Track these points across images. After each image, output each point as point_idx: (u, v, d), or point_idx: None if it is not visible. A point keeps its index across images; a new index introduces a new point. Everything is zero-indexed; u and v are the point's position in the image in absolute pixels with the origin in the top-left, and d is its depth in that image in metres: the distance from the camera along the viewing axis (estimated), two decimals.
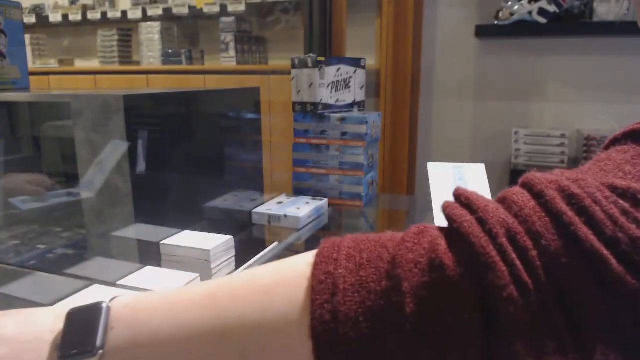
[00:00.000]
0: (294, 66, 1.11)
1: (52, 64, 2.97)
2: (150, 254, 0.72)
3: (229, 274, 0.72)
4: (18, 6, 1.00)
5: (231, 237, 0.74)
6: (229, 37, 2.45)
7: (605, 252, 0.25)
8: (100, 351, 0.30)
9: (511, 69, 1.98)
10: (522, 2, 1.76)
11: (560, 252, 0.26)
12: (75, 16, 2.81)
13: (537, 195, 0.29)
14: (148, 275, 0.64)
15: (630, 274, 0.25)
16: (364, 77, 1.23)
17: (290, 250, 0.87)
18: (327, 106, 1.12)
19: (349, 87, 1.18)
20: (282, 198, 1.07)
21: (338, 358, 0.28)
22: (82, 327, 0.31)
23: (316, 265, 0.30)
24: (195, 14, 2.52)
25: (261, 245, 0.85)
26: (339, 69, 1.14)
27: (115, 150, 0.68)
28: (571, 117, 1.93)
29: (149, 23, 2.65)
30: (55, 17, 2.85)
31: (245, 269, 0.75)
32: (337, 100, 1.15)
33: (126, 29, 2.82)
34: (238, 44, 2.45)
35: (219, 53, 2.51)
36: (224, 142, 0.95)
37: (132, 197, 0.69)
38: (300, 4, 2.11)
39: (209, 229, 0.77)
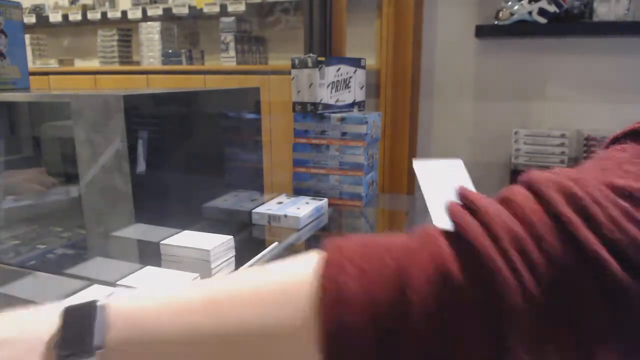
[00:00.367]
0: (294, 66, 1.11)
1: (52, 64, 2.97)
2: (150, 254, 0.72)
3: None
4: (18, 6, 1.00)
5: (231, 237, 0.74)
6: (229, 37, 2.45)
7: (606, 254, 0.25)
8: (99, 351, 0.30)
9: (511, 69, 1.98)
10: (522, 2, 1.76)
11: (560, 254, 0.26)
12: (75, 16, 2.81)
13: (538, 195, 0.28)
14: (148, 275, 0.64)
15: (631, 276, 0.25)
16: (364, 77, 1.23)
17: (291, 251, 0.87)
18: (327, 106, 1.12)
19: (349, 87, 1.18)
20: (282, 198, 1.07)
21: None
22: (79, 326, 0.31)
23: (321, 271, 0.30)
24: (195, 14, 2.52)
25: (261, 245, 0.85)
26: (339, 69, 1.14)
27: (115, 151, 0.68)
28: (571, 117, 1.93)
29: (149, 23, 2.65)
30: (55, 17, 2.85)
31: (245, 269, 0.75)
32: (337, 100, 1.15)
33: (126, 29, 2.82)
34: (238, 44, 2.45)
35: (219, 53, 2.51)
36: (224, 142, 0.95)
37: (132, 197, 0.69)
38: (300, 4, 2.11)
39: (209, 229, 0.77)
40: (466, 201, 0.30)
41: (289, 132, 1.15)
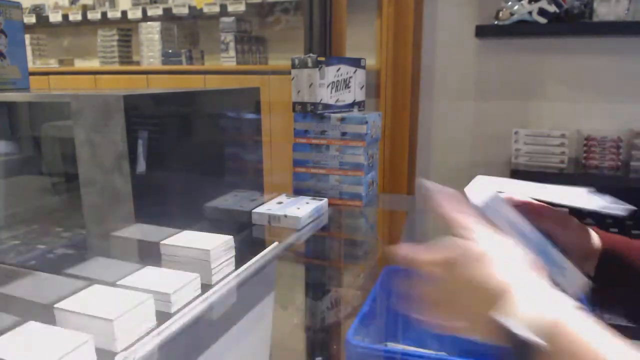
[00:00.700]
0: (294, 66, 1.11)
1: (52, 64, 2.97)
2: (150, 254, 0.72)
3: (228, 274, 0.72)
4: (18, 6, 1.00)
5: (231, 237, 0.74)
6: (229, 37, 2.45)
7: None
8: None
9: (511, 69, 1.98)
10: (522, 2, 1.76)
11: None
12: (75, 16, 2.81)
13: None
14: (148, 275, 0.64)
15: None
16: (364, 77, 1.23)
17: (290, 250, 0.87)
18: (327, 106, 1.12)
19: (349, 87, 1.18)
20: (282, 198, 1.07)
21: None
22: None
23: None
24: (195, 14, 2.53)
25: (261, 245, 0.86)
26: (339, 69, 1.14)
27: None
28: (571, 117, 1.93)
29: (149, 23, 2.65)
30: (55, 17, 2.85)
31: (245, 268, 0.75)
32: (337, 100, 1.15)
33: (126, 29, 2.82)
34: (238, 44, 2.45)
35: (219, 53, 2.51)
36: (224, 142, 0.95)
37: (132, 197, 0.69)
38: (300, 4, 2.11)
39: (209, 229, 0.77)
40: None
41: (289, 132, 1.15)
